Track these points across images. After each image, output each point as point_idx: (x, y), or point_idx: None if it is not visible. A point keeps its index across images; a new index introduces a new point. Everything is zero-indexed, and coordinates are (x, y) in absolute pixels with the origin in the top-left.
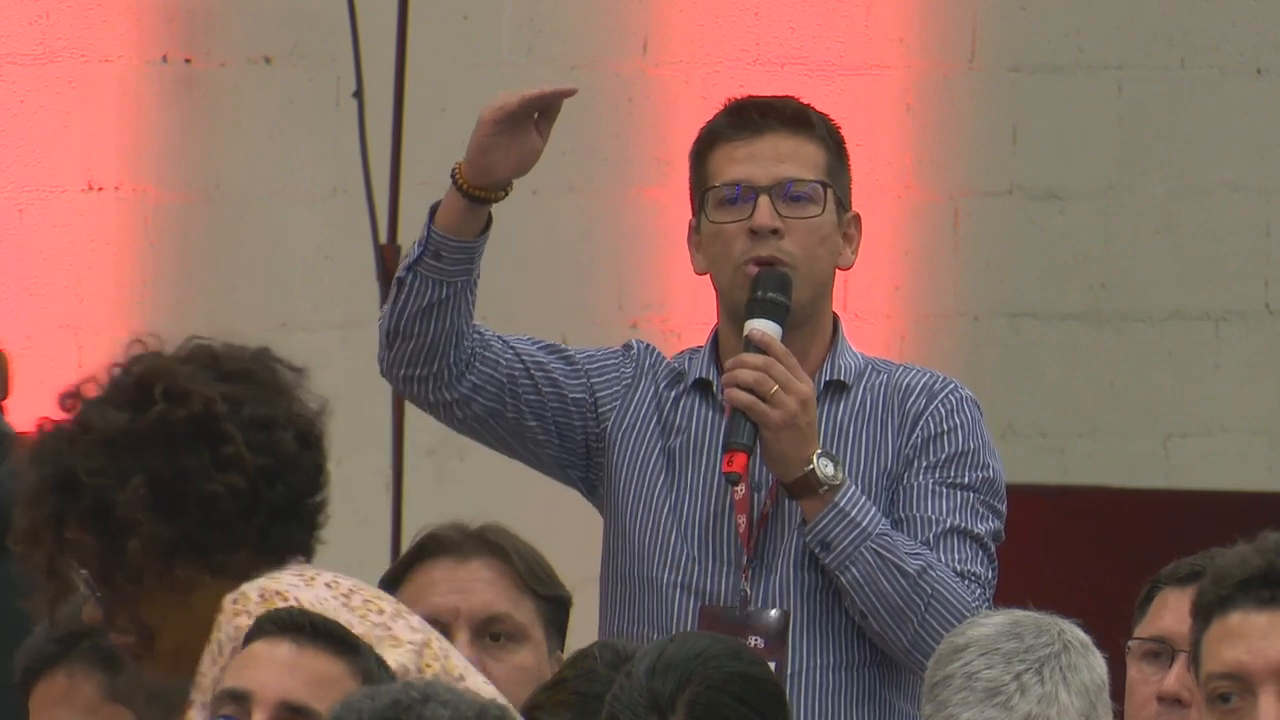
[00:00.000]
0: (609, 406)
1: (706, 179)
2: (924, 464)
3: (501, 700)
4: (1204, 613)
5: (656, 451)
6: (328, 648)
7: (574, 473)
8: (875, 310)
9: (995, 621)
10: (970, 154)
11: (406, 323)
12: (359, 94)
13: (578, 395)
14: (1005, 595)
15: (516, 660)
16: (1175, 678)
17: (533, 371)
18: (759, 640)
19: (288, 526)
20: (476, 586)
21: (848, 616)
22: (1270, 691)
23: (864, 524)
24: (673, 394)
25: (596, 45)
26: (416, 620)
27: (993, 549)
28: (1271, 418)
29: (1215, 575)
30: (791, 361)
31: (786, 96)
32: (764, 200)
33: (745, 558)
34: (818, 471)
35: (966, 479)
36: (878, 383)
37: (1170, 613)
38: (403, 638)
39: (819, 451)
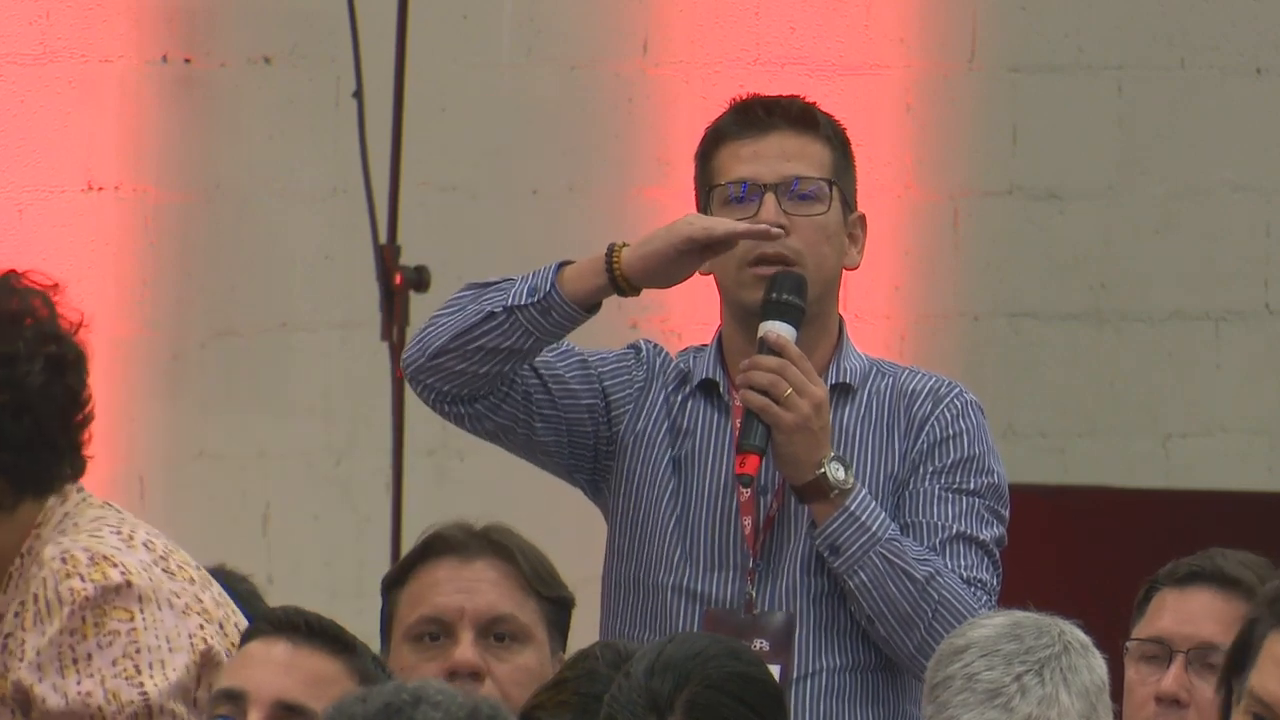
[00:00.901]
0: (621, 410)
1: (712, 177)
2: (929, 469)
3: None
4: (1263, 626)
5: (666, 457)
6: (324, 647)
7: (580, 476)
8: (875, 310)
9: (995, 623)
10: (970, 154)
11: (471, 350)
12: (359, 94)
13: (591, 401)
14: (1005, 596)
15: (520, 661)
16: (1173, 678)
17: (550, 385)
18: (764, 644)
19: (39, 457)
20: (481, 587)
21: (853, 620)
22: None
23: (874, 529)
24: (679, 396)
25: (596, 45)
26: (218, 592)
27: (997, 555)
28: (1271, 418)
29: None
30: (806, 365)
31: (792, 96)
32: (769, 198)
33: (751, 561)
34: (829, 475)
35: (971, 485)
36: (883, 385)
37: (1168, 613)
38: (212, 612)
39: (830, 455)
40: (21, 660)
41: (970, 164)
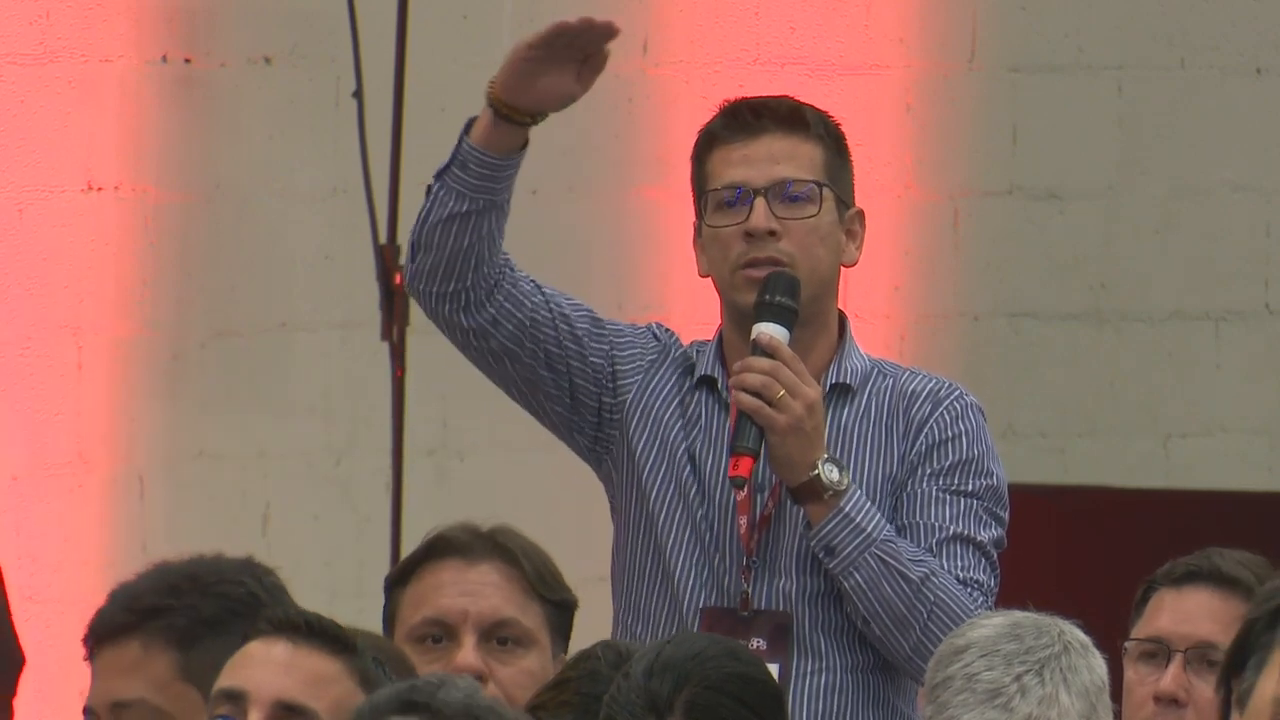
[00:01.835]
0: (628, 380)
1: (705, 182)
2: (927, 471)
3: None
4: (1268, 626)
5: (679, 440)
6: (324, 647)
7: (581, 438)
8: (875, 310)
9: (995, 623)
10: (970, 154)
11: (427, 233)
12: (359, 94)
13: (597, 360)
14: (1005, 596)
15: (523, 665)
16: (1171, 678)
17: (557, 321)
18: (761, 643)
19: None
20: (485, 590)
21: (851, 620)
22: None
23: (868, 529)
24: (688, 383)
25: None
26: None
27: (995, 556)
28: (1271, 418)
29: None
30: (799, 366)
31: (782, 96)
32: (760, 202)
33: (746, 558)
34: (823, 476)
35: (970, 486)
36: (883, 386)
37: (1166, 613)
38: None
39: (824, 456)
40: None
41: (970, 164)
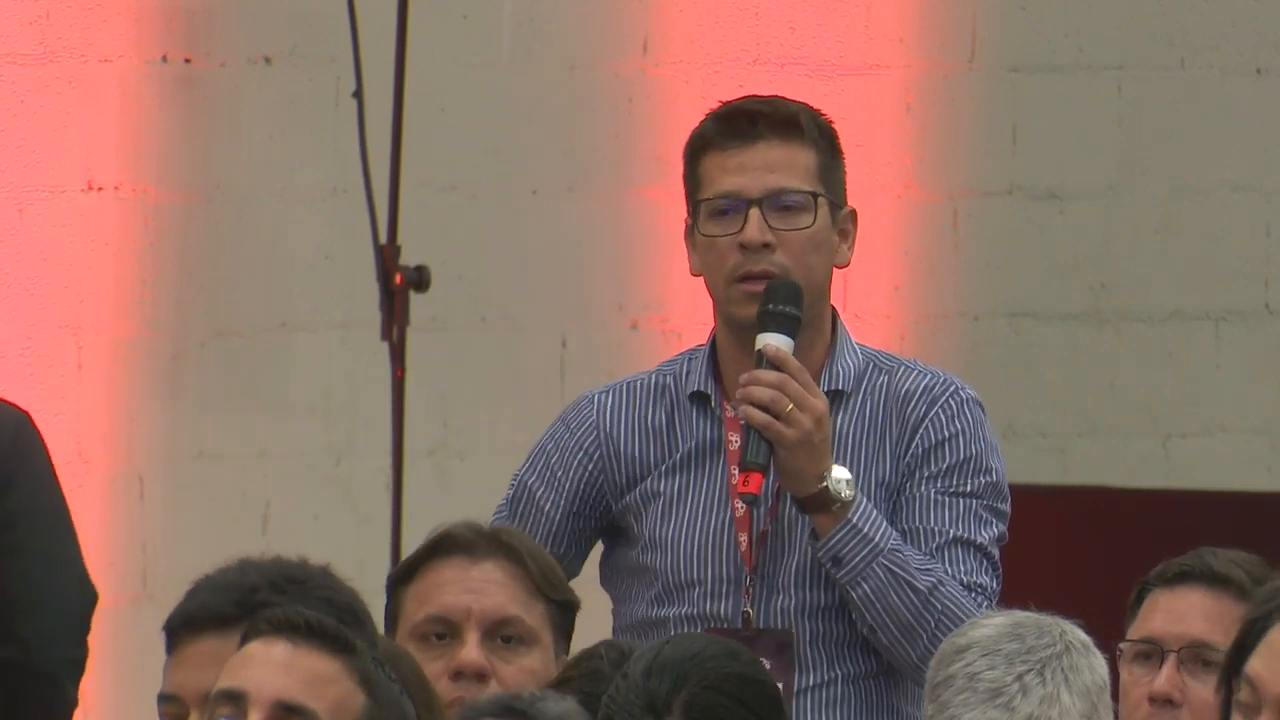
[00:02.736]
0: (596, 483)
1: (698, 187)
2: (926, 474)
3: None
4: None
5: (659, 478)
6: (324, 647)
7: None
8: (875, 310)
9: (996, 622)
10: (970, 154)
11: None
12: (359, 94)
13: (578, 505)
14: (1006, 596)
15: (525, 663)
16: (1166, 678)
17: (568, 530)
18: (765, 662)
19: None
20: (489, 588)
21: (852, 630)
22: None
23: (876, 540)
24: (660, 412)
25: (596, 45)
26: None
27: (997, 556)
28: (1271, 418)
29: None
30: (805, 377)
31: (776, 98)
32: (754, 214)
33: (748, 577)
34: (831, 488)
35: (969, 486)
36: (879, 384)
37: (1159, 614)
38: None
39: (832, 467)
40: None
41: (970, 164)
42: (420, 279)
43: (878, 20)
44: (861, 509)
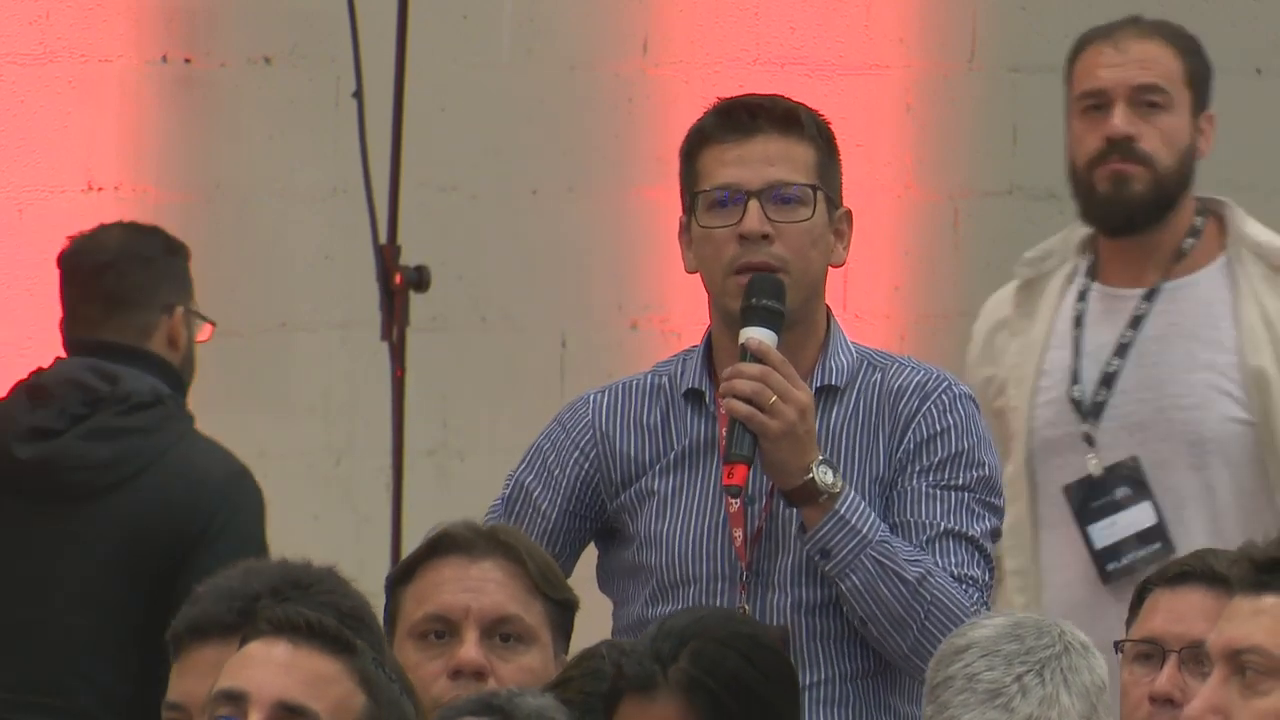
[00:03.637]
0: (592, 482)
1: (696, 181)
2: (918, 468)
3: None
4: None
5: (654, 477)
6: (324, 647)
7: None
8: (875, 310)
9: (996, 623)
10: (970, 154)
11: None
12: (359, 94)
13: (574, 505)
14: None
15: (524, 662)
16: (1167, 678)
17: (567, 525)
18: None
19: None
20: (488, 587)
21: (848, 629)
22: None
23: (864, 531)
24: (656, 413)
25: (596, 45)
26: None
27: (989, 549)
28: None
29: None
30: (789, 369)
31: (775, 95)
32: (754, 205)
33: (743, 573)
34: (817, 480)
35: (961, 480)
36: (872, 381)
37: (1160, 613)
38: None
39: (818, 459)
40: None
41: (970, 164)
42: (420, 279)
43: (878, 20)
44: (849, 501)
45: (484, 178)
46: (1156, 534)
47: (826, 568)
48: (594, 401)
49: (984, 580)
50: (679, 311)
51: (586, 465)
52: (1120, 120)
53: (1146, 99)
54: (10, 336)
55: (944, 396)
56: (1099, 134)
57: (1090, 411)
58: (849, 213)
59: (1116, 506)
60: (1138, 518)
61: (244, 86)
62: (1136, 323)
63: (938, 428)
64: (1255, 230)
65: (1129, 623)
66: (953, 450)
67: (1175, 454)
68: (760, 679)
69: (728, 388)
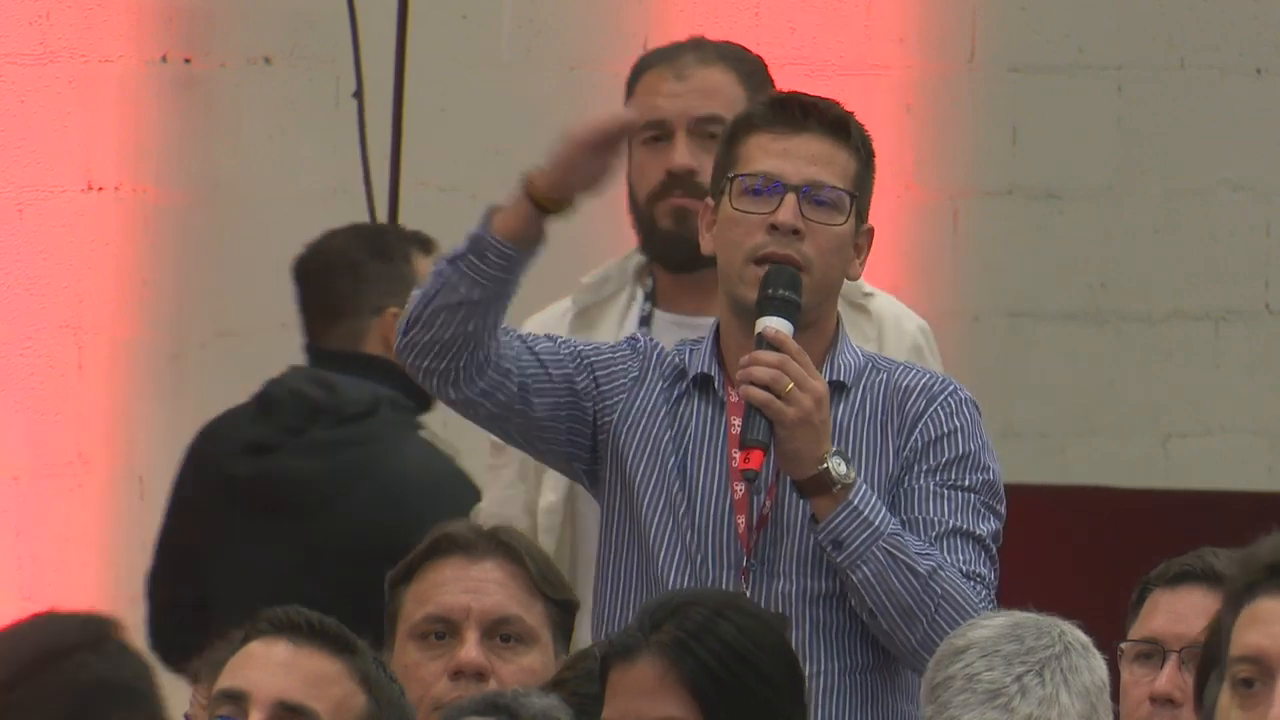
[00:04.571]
0: (614, 400)
1: (735, 164)
2: (924, 467)
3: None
4: (1233, 601)
5: (669, 452)
6: (325, 647)
7: (579, 465)
8: None
9: (996, 623)
10: (970, 154)
11: (430, 314)
12: (359, 94)
13: (585, 384)
14: (1005, 596)
15: (525, 662)
16: (1167, 678)
17: (546, 362)
18: None
19: None
20: (488, 587)
21: (851, 621)
22: None
23: (876, 523)
24: (676, 391)
25: (596, 45)
26: None
27: (994, 550)
28: (1271, 418)
29: (1243, 561)
30: (805, 359)
31: (830, 99)
32: (790, 198)
33: (746, 560)
34: (831, 470)
35: (967, 481)
36: (877, 382)
37: (1161, 614)
38: None
39: (832, 450)
40: None
41: (970, 164)
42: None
43: (878, 20)
44: (861, 492)
45: (484, 178)
46: None
47: (838, 559)
48: (656, 352)
49: (990, 579)
50: None
51: (611, 384)
52: (681, 154)
53: (709, 130)
54: (10, 336)
55: (950, 399)
56: (660, 166)
57: None
58: (872, 230)
59: None
60: None
61: (244, 86)
62: None
63: (945, 429)
64: None
65: (1128, 623)
66: (959, 452)
67: None
68: (753, 649)
69: (745, 374)
